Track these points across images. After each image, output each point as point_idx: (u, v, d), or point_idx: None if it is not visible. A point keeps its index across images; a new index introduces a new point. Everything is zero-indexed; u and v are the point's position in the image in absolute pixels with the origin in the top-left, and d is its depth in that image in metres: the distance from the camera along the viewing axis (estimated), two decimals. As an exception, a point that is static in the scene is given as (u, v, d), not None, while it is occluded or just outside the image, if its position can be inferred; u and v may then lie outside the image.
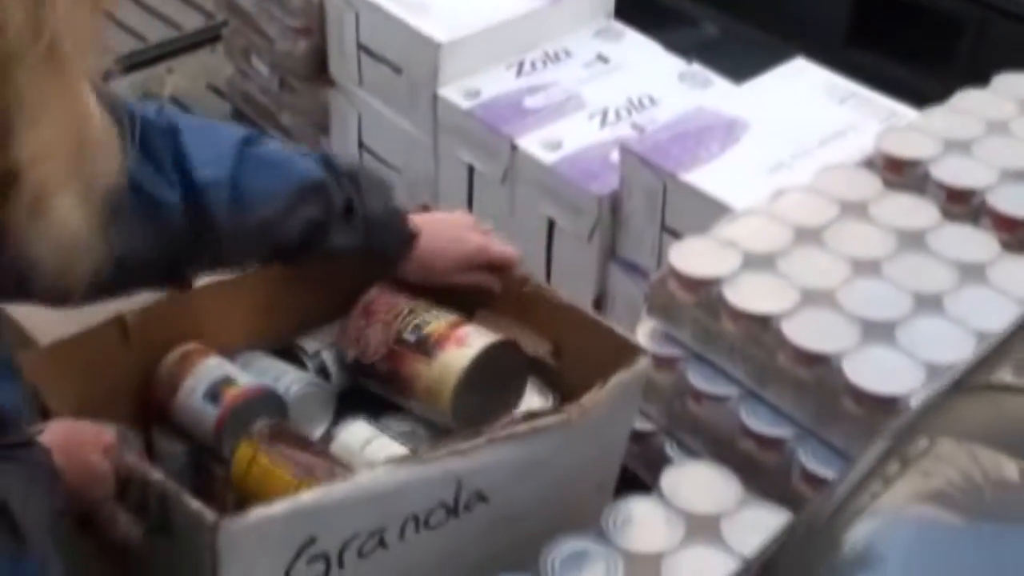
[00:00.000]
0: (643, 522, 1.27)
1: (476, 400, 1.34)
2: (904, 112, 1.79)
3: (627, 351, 1.31)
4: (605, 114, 1.94)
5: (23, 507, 0.94)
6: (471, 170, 1.99)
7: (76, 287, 0.90)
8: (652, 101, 1.96)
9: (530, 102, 1.97)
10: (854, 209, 1.52)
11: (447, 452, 1.20)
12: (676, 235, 1.67)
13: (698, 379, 1.45)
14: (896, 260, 1.45)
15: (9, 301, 1.11)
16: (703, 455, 1.45)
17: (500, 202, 1.96)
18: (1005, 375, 0.89)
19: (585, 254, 1.86)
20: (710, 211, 1.61)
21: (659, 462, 1.42)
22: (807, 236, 1.48)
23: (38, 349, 1.30)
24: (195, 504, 1.14)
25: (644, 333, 1.49)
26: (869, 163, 1.61)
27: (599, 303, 1.87)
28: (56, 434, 1.11)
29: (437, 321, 1.38)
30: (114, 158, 0.88)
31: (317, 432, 1.38)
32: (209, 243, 1.26)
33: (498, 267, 1.42)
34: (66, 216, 0.84)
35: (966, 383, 0.89)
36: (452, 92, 1.99)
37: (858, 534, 0.79)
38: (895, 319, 1.38)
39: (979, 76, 1.75)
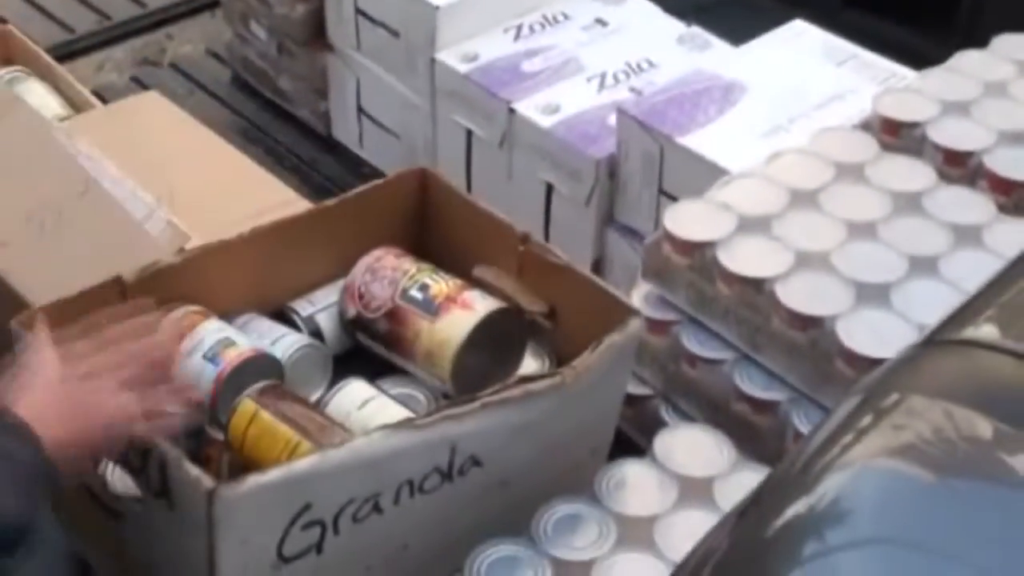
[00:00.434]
0: (636, 485, 1.28)
1: (476, 364, 1.35)
2: (903, 74, 1.78)
3: (620, 312, 1.31)
4: (603, 78, 1.94)
5: None
6: (469, 134, 1.99)
7: None
8: (650, 64, 1.95)
9: (528, 66, 1.96)
10: (850, 171, 1.52)
11: (441, 417, 1.21)
12: (673, 199, 1.67)
13: (692, 343, 1.45)
14: (892, 223, 1.45)
15: None
16: (698, 418, 1.46)
17: (498, 166, 1.95)
18: (976, 331, 0.89)
19: (583, 218, 1.86)
20: (708, 174, 1.60)
21: (653, 426, 1.42)
22: (802, 199, 1.48)
23: (35, 309, 1.31)
24: (194, 471, 1.14)
25: (639, 296, 1.49)
26: (866, 125, 1.61)
27: (597, 267, 1.87)
28: (47, 385, 1.11)
29: (442, 283, 1.38)
30: None
31: (314, 394, 1.38)
32: None
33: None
34: None
35: (938, 338, 0.90)
36: (450, 56, 1.99)
37: (828, 485, 0.80)
38: (890, 282, 1.37)
39: (979, 38, 1.73)
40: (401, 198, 1.50)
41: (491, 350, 1.36)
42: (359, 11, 2.12)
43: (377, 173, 2.13)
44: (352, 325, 1.42)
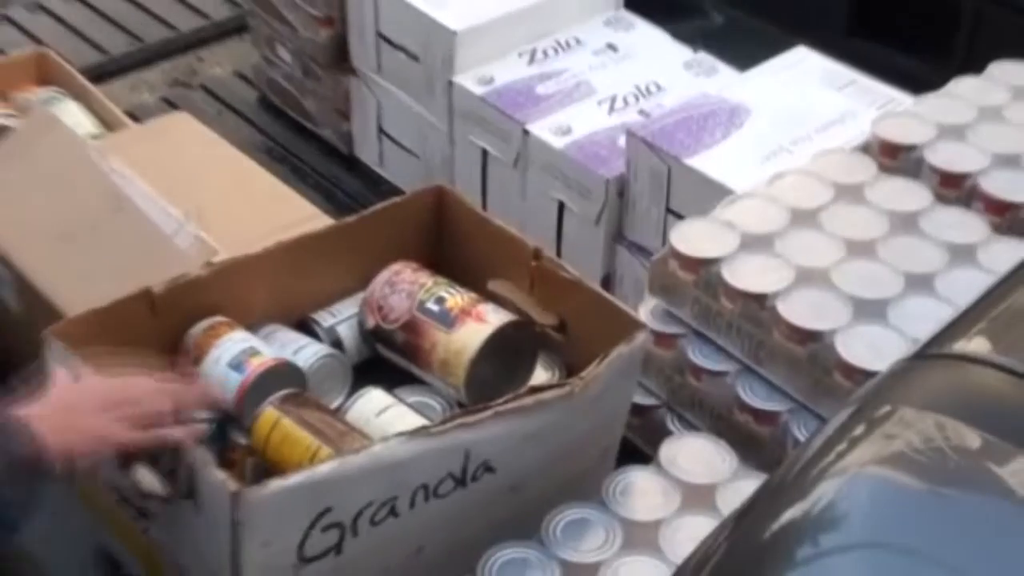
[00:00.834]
0: (642, 491, 1.28)
1: (489, 374, 1.35)
2: (901, 99, 1.78)
3: (627, 325, 1.32)
4: (613, 100, 1.94)
5: None
6: (485, 154, 2.00)
7: None
8: (659, 88, 1.96)
9: (541, 89, 1.97)
10: (849, 192, 1.52)
11: (456, 425, 1.21)
12: (680, 217, 1.67)
13: (697, 355, 1.46)
14: (889, 241, 1.45)
15: None
16: (701, 428, 1.46)
17: (512, 185, 1.96)
18: (965, 346, 0.89)
19: (593, 235, 1.86)
20: (713, 194, 1.61)
21: (659, 435, 1.43)
22: (803, 218, 1.48)
23: (68, 319, 1.32)
24: (219, 475, 1.15)
25: (646, 311, 1.49)
26: (865, 148, 1.61)
27: (607, 282, 1.87)
28: (56, 399, 1.15)
29: (458, 297, 1.39)
30: None
31: (335, 402, 1.39)
32: None
33: None
34: None
35: (928, 352, 0.90)
36: (467, 79, 2.00)
37: (821, 491, 0.80)
38: (887, 298, 1.38)
39: (976, 65, 1.74)
40: (419, 215, 1.51)
41: (504, 361, 1.37)
42: (380, 36, 2.13)
43: (396, 191, 2.14)
44: (371, 336, 1.43)
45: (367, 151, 2.32)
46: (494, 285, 1.43)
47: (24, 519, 1.08)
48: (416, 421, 1.30)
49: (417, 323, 1.38)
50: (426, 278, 1.42)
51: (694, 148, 1.71)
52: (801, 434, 1.36)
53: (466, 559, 1.22)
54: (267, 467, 1.25)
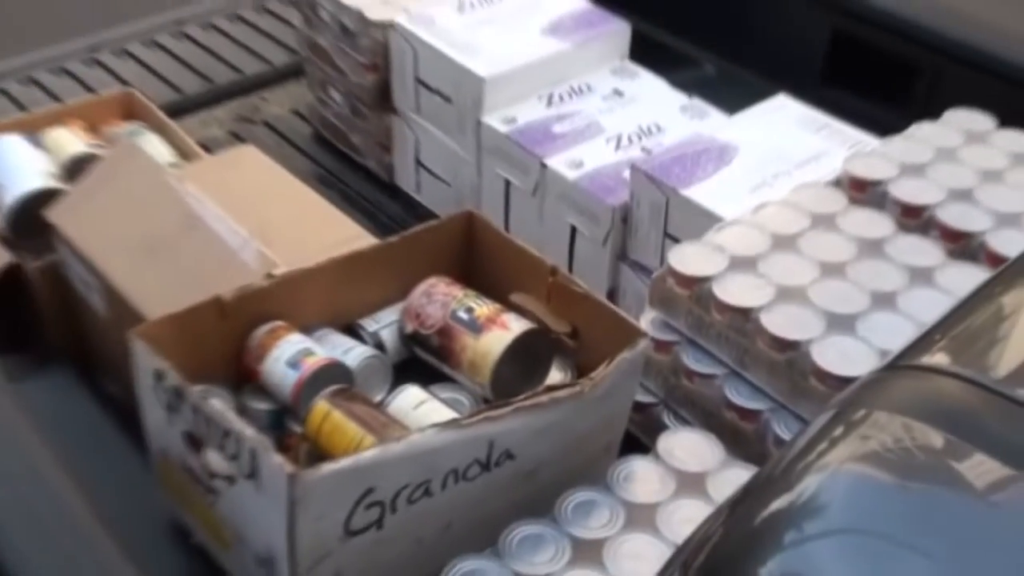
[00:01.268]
0: (642, 478, 1.28)
1: (511, 374, 1.35)
2: (869, 141, 1.77)
3: (631, 334, 1.32)
4: (619, 139, 1.94)
5: None
6: (508, 184, 2.00)
7: None
8: (659, 128, 1.95)
9: (558, 128, 1.97)
10: (823, 221, 1.51)
11: (482, 418, 1.21)
12: (676, 240, 1.67)
13: (690, 360, 1.45)
14: (857, 264, 1.44)
15: None
16: (694, 424, 1.45)
17: (531, 211, 1.96)
18: (931, 359, 0.89)
19: (600, 255, 1.86)
20: (706, 221, 1.60)
21: (657, 429, 1.42)
22: (783, 243, 1.48)
23: (150, 322, 1.32)
24: (278, 458, 1.15)
25: (646, 321, 1.49)
26: (837, 182, 1.61)
27: (612, 296, 1.86)
28: None
29: (485, 307, 1.39)
30: None
31: (377, 396, 1.39)
32: None
33: None
34: None
35: (899, 364, 0.90)
36: (493, 119, 1.99)
37: (806, 484, 0.80)
38: (856, 313, 1.37)
39: (934, 112, 1.73)
40: (451, 236, 1.51)
41: (524, 363, 1.37)
42: (419, 81, 2.13)
43: (431, 215, 2.14)
44: (410, 340, 1.43)
45: (406, 180, 2.32)
46: (516, 297, 1.42)
47: None
48: (448, 414, 1.30)
49: (449, 329, 1.38)
50: (457, 290, 1.42)
51: (689, 181, 1.71)
52: (780, 430, 1.35)
53: (489, 534, 1.22)
54: (319, 453, 1.25)
